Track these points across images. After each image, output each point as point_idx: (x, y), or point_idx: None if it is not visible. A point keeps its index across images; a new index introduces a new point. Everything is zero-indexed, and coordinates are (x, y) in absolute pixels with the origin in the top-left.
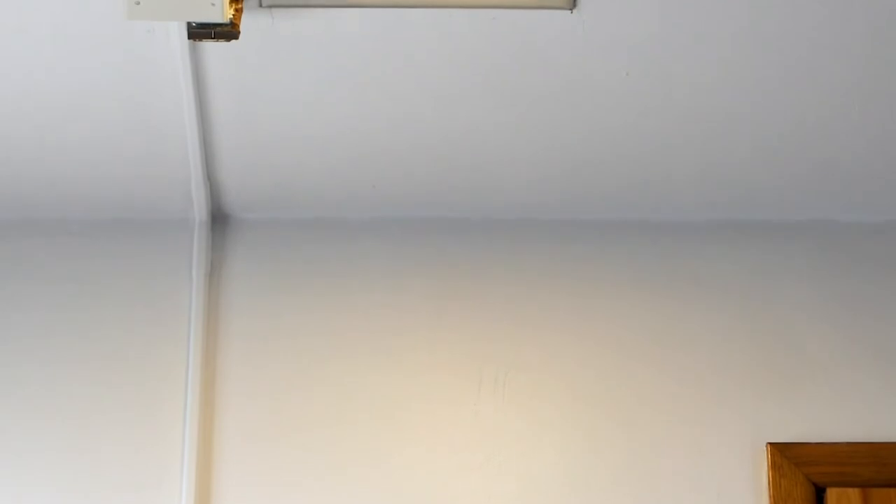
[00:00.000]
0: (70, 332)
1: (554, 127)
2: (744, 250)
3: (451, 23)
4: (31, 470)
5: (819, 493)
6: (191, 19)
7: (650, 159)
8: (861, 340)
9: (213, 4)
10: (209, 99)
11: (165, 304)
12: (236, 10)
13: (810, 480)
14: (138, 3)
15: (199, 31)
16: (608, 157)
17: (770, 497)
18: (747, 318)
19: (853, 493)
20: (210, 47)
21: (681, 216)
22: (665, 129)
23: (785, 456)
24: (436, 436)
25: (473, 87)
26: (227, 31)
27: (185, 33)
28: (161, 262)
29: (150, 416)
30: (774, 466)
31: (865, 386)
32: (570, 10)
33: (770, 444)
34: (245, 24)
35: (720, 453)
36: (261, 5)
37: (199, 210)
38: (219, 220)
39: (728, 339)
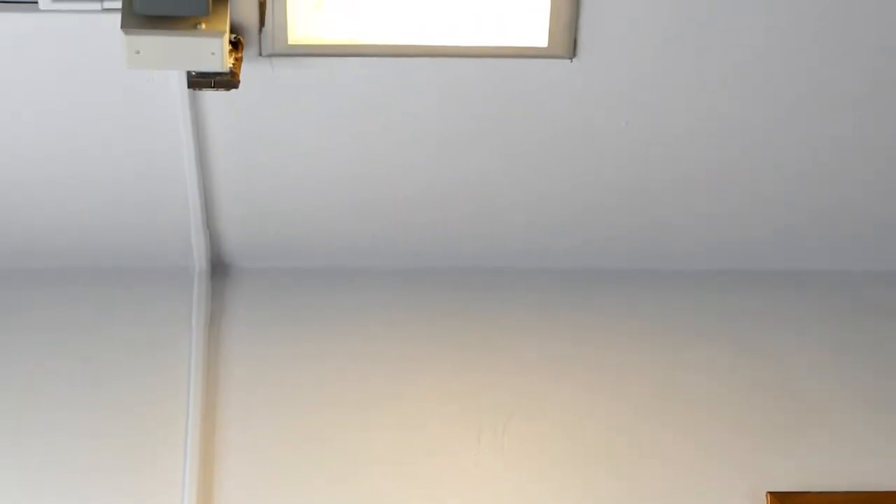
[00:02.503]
0: (69, 381)
1: (554, 175)
2: (743, 300)
3: (451, 71)
4: None
5: None
6: (191, 68)
7: (649, 208)
8: (861, 390)
9: (213, 54)
10: (209, 147)
11: (165, 354)
12: (236, 59)
13: None
14: (138, 53)
15: (199, 81)
16: (608, 206)
17: None
18: (747, 367)
19: None
20: (210, 96)
21: (680, 265)
22: (664, 178)
23: None
24: (436, 486)
25: (474, 135)
26: (227, 81)
27: (185, 82)
28: (161, 311)
29: (150, 465)
30: None
31: (865, 435)
32: (570, 59)
33: (770, 493)
34: (245, 74)
35: (720, 502)
36: (261, 54)
37: (200, 259)
38: (219, 268)
39: (728, 389)
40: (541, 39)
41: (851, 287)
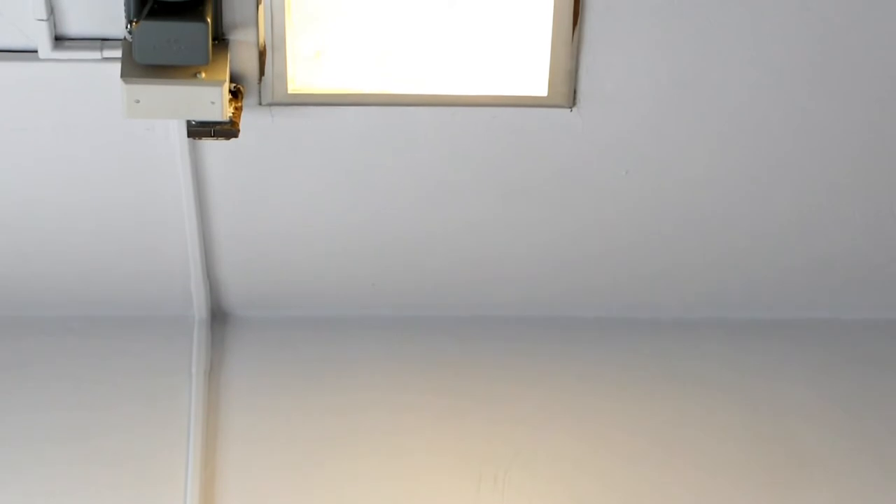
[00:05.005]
0: (68, 431)
1: (554, 223)
2: (743, 349)
3: (452, 121)
4: None
5: None
6: (190, 118)
7: (649, 257)
8: (861, 441)
9: (212, 103)
10: (209, 196)
11: (165, 404)
12: (236, 108)
13: None
14: (138, 102)
15: (199, 130)
16: (608, 254)
17: None
18: (747, 417)
19: None
20: (210, 145)
21: (679, 314)
22: (664, 227)
23: None
24: None
25: (474, 184)
26: (227, 130)
27: (184, 131)
28: (160, 361)
29: None
30: None
31: (865, 486)
32: (570, 108)
33: None
34: (245, 123)
35: None
36: (260, 103)
37: (199, 308)
38: (218, 318)
39: (727, 439)
40: (541, 89)
41: (852, 336)
